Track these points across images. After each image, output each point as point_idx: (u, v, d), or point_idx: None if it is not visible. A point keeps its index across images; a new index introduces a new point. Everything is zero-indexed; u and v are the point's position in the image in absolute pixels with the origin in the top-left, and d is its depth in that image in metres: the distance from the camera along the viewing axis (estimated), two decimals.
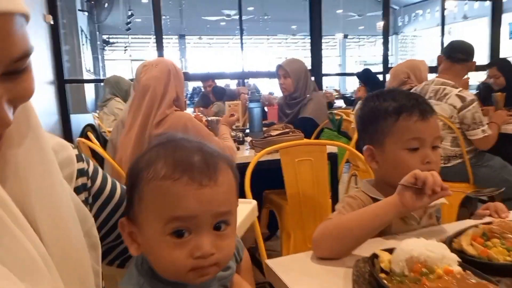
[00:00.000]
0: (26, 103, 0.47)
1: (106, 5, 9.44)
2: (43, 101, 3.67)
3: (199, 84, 6.90)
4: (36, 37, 3.51)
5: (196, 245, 0.50)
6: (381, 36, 5.44)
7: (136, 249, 0.55)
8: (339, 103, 6.15)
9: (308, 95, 2.76)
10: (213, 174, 0.51)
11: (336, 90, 7.33)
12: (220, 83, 5.56)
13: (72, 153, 0.58)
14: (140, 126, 1.77)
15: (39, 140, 0.49)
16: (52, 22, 3.94)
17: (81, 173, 0.59)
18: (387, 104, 0.92)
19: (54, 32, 4.05)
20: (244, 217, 1.08)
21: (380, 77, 5.03)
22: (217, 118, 2.43)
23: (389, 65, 5.16)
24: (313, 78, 3.02)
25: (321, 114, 2.72)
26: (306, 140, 1.92)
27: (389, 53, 5.52)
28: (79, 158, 0.60)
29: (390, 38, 6.18)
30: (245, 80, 6.46)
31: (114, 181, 0.66)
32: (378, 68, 5.30)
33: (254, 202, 1.21)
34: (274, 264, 0.74)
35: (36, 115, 0.50)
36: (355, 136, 2.20)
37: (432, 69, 3.47)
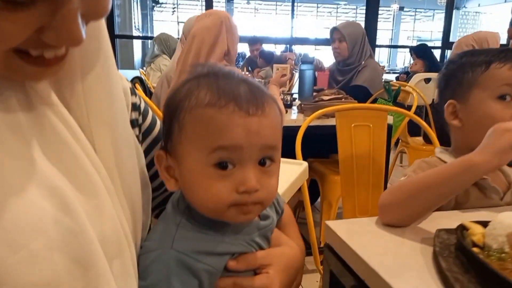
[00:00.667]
0: (100, 24, 0.44)
1: None
2: None
3: (243, 49, 6.76)
4: None
5: (242, 179, 0.46)
6: (441, 10, 5.05)
7: (174, 184, 0.51)
8: (388, 77, 5.84)
9: (363, 62, 2.59)
10: (260, 104, 0.47)
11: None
12: (266, 49, 5.42)
13: (127, 85, 0.55)
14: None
15: (108, 64, 0.46)
16: None
17: (135, 107, 0.56)
18: (476, 58, 0.80)
19: None
20: (296, 177, 1.01)
21: (438, 53, 4.69)
22: (267, 78, 2.34)
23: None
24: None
25: (376, 83, 2.55)
26: (366, 104, 1.78)
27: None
28: (133, 92, 0.56)
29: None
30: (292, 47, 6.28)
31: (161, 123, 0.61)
32: (433, 44, 4.95)
33: (305, 164, 1.14)
34: (335, 226, 0.67)
35: (107, 37, 0.46)
36: (413, 108, 2.05)
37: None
